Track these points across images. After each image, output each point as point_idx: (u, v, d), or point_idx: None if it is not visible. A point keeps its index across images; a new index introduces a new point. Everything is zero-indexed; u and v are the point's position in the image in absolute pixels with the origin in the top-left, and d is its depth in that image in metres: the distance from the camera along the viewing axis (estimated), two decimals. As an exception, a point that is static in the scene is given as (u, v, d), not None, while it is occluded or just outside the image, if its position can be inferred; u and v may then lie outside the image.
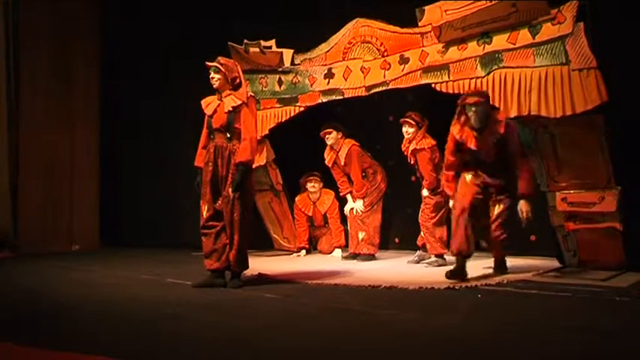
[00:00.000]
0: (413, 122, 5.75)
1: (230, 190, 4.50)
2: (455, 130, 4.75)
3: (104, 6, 8.22)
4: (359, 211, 6.21)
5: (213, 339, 3.08)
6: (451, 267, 4.69)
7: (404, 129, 5.82)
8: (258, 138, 5.61)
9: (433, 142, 5.66)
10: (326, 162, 6.44)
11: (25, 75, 7.41)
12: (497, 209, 4.72)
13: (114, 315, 3.67)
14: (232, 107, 4.58)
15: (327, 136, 6.31)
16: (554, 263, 5.16)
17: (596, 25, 4.66)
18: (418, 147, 5.70)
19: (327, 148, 6.41)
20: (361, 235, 6.22)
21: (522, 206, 4.53)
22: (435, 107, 5.63)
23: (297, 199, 6.95)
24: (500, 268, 4.91)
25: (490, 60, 5.08)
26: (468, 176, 4.76)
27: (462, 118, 4.71)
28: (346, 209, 6.35)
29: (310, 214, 6.90)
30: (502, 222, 4.71)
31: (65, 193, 7.80)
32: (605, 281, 4.40)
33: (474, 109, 4.62)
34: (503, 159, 4.65)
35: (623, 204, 4.66)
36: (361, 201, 6.21)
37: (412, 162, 5.86)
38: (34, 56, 7.48)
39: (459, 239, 4.57)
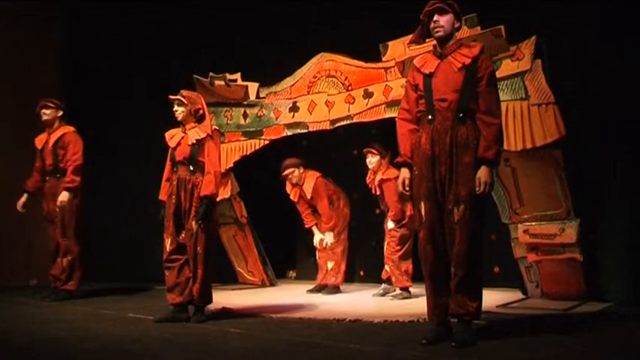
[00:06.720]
0: (376, 152, 5.81)
1: (193, 223, 4.47)
2: (415, 60, 3.74)
3: (66, 44, 8.14)
4: (329, 243, 6.19)
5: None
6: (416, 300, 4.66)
7: (367, 159, 5.87)
8: (223, 171, 5.58)
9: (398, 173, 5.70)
10: (291, 197, 6.42)
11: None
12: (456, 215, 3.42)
13: (67, 353, 3.53)
14: (196, 140, 4.56)
15: (289, 177, 6.28)
16: (517, 295, 5.22)
17: (553, 62, 4.82)
18: (385, 177, 5.75)
19: (289, 184, 6.38)
20: (330, 264, 6.19)
21: (481, 174, 3.36)
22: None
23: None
24: None
25: (453, 95, 5.18)
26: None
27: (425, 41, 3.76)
28: (315, 241, 6.32)
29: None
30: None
31: (23, 226, 7.60)
32: (568, 311, 4.46)
33: (435, 17, 3.49)
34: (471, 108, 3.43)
35: (583, 235, 4.76)
36: (332, 233, 6.18)
37: (377, 193, 5.88)
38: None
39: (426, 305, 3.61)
